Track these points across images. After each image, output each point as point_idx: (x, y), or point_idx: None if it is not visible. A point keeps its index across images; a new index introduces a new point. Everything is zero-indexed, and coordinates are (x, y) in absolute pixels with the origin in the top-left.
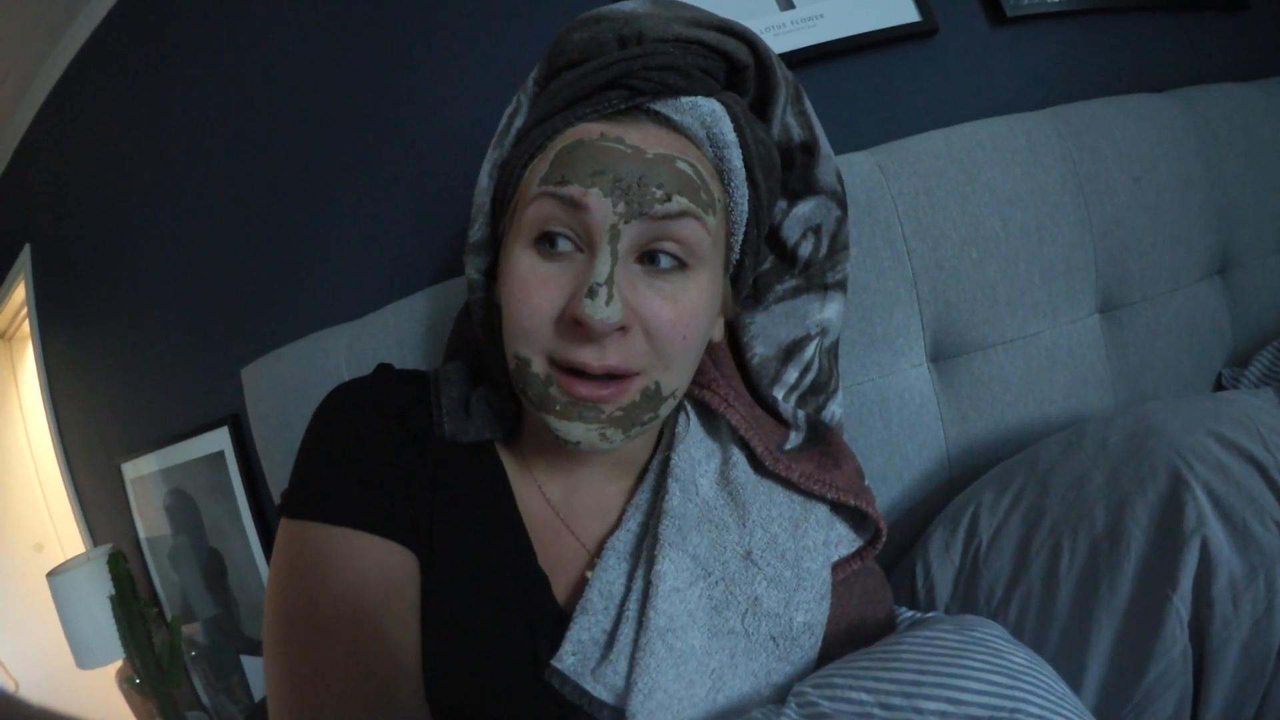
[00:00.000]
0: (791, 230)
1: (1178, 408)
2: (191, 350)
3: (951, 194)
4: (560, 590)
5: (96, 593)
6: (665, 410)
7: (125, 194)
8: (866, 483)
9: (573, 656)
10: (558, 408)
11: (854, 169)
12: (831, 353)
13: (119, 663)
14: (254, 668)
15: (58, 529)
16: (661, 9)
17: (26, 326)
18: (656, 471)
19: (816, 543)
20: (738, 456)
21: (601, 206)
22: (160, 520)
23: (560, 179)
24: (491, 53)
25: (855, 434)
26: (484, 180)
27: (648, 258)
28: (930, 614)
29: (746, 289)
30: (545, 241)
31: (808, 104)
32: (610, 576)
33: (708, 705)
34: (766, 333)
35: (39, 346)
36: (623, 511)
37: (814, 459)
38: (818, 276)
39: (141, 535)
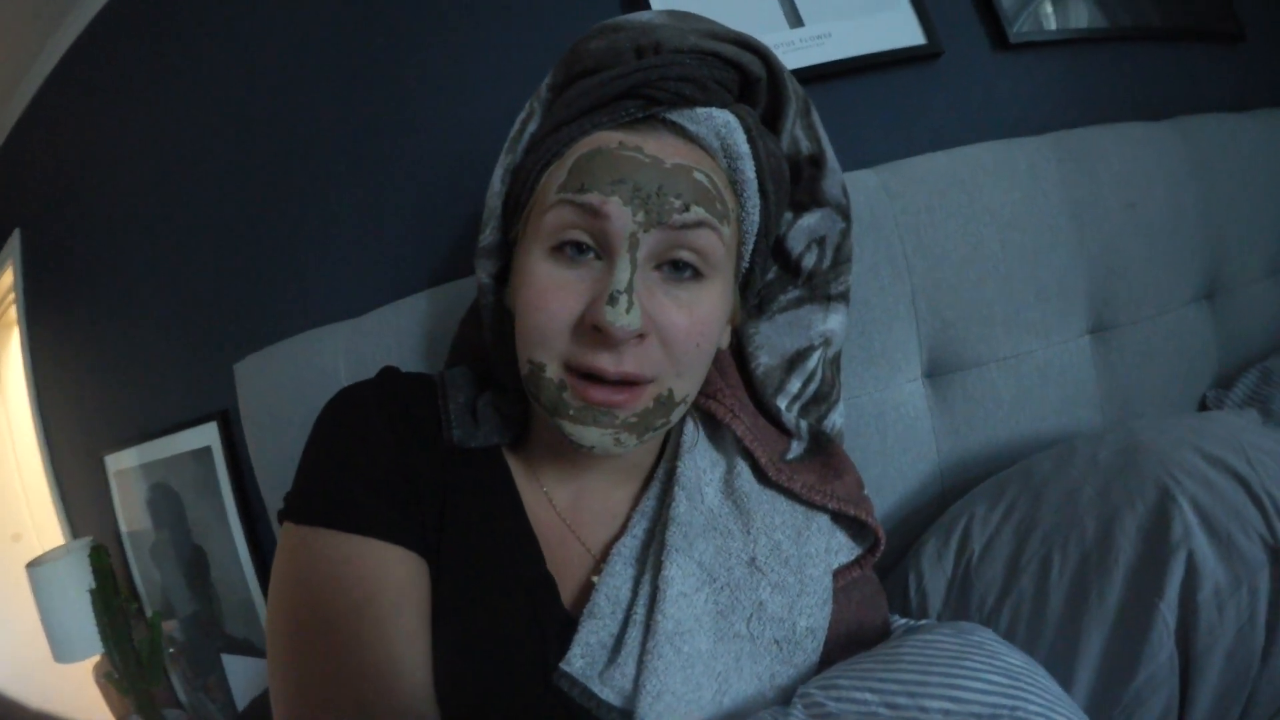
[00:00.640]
0: (796, 241)
1: (1165, 426)
2: (182, 343)
3: (953, 214)
4: (566, 595)
5: (76, 585)
6: (676, 416)
7: (120, 182)
8: (865, 492)
9: (581, 659)
10: (571, 412)
11: (859, 187)
12: (834, 364)
13: (97, 657)
14: (234, 666)
15: (36, 520)
16: (677, 20)
17: (13, 312)
18: (662, 479)
19: (818, 550)
20: (742, 466)
21: (621, 215)
22: (143, 515)
23: (580, 186)
24: (495, 54)
25: (851, 445)
26: (496, 185)
27: (665, 266)
28: (923, 621)
29: (753, 298)
30: (563, 248)
31: (816, 118)
32: (617, 581)
33: (714, 707)
34: (771, 343)
35: (25, 333)
36: (628, 518)
37: (815, 469)
38: (821, 288)
39: (123, 529)
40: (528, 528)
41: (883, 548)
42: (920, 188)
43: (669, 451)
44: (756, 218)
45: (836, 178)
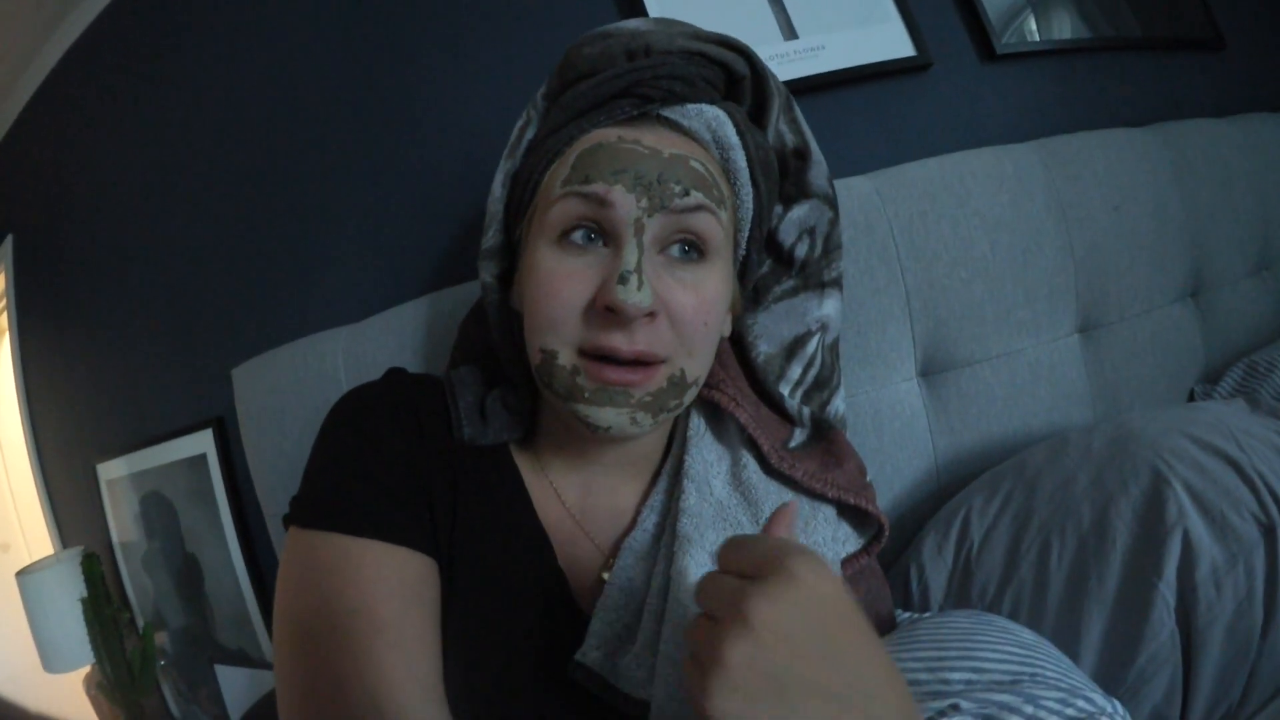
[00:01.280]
0: (788, 233)
1: (1155, 415)
2: (176, 349)
3: (944, 218)
4: (578, 590)
5: (67, 595)
6: (689, 398)
7: (113, 186)
8: (869, 479)
9: (596, 650)
10: (586, 395)
11: (853, 193)
12: (833, 349)
13: (88, 668)
14: (227, 678)
15: (26, 529)
16: (664, 25)
17: (4, 318)
18: (670, 473)
19: (825, 539)
20: (747, 458)
21: (626, 201)
22: (135, 524)
23: (584, 178)
24: (493, 61)
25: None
26: (497, 190)
27: (668, 250)
28: (926, 614)
29: (750, 287)
30: (570, 238)
31: (798, 112)
32: (629, 575)
33: None
34: (769, 331)
35: (16, 339)
36: (637, 512)
37: (817, 457)
38: (815, 275)
39: (115, 538)
40: (538, 525)
41: (887, 534)
42: (912, 193)
43: (676, 445)
44: (750, 205)
45: (822, 169)
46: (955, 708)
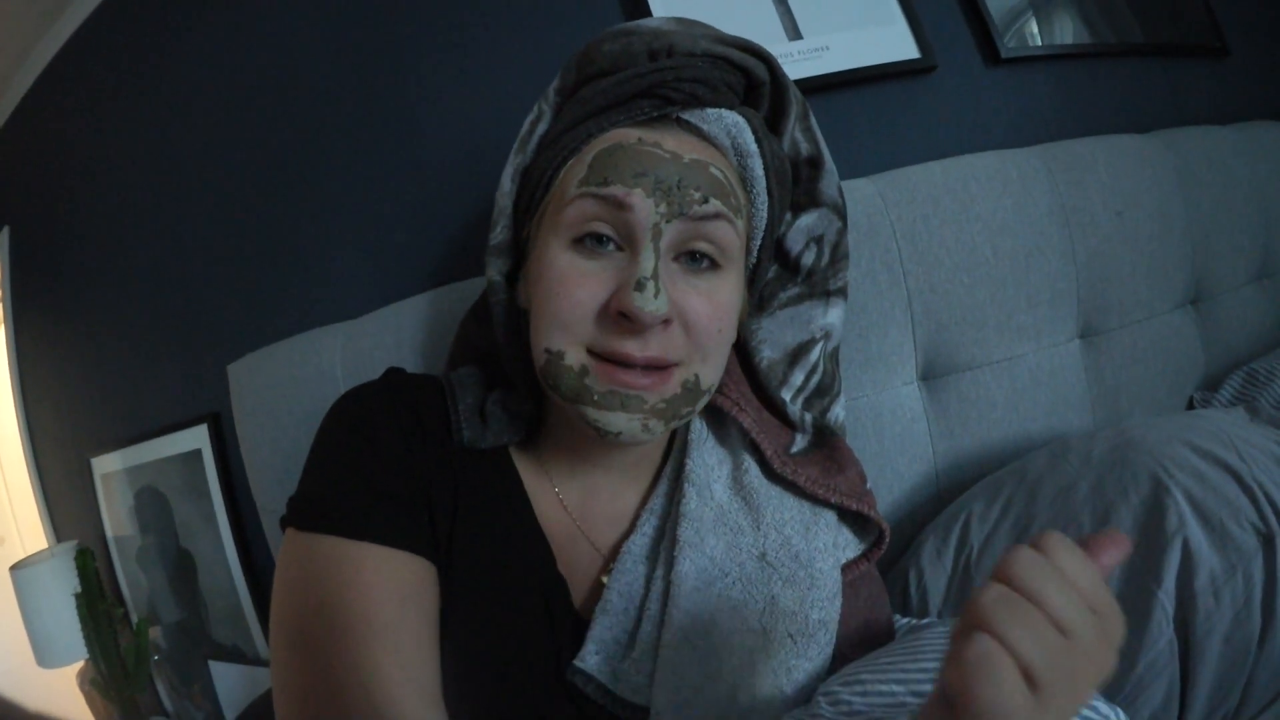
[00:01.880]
0: (795, 240)
1: (1156, 423)
2: (172, 344)
3: (947, 222)
4: (577, 596)
5: (61, 589)
6: (701, 404)
7: (110, 180)
8: (869, 485)
9: (595, 656)
10: (595, 398)
11: (856, 195)
12: (833, 357)
13: (81, 663)
14: (221, 673)
15: (20, 522)
16: (686, 27)
17: None
18: (671, 476)
19: (826, 544)
20: (749, 462)
21: (645, 206)
22: (129, 518)
23: (603, 180)
24: (495, 57)
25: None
26: (506, 184)
27: (683, 257)
28: (925, 620)
29: (755, 296)
30: (584, 240)
31: (814, 122)
32: (629, 579)
33: (729, 702)
34: (773, 337)
35: (11, 332)
36: (637, 516)
37: (819, 462)
38: (820, 284)
39: (109, 533)
40: (537, 529)
41: (888, 540)
42: (915, 196)
43: (677, 449)
44: (764, 213)
45: (833, 179)
46: None
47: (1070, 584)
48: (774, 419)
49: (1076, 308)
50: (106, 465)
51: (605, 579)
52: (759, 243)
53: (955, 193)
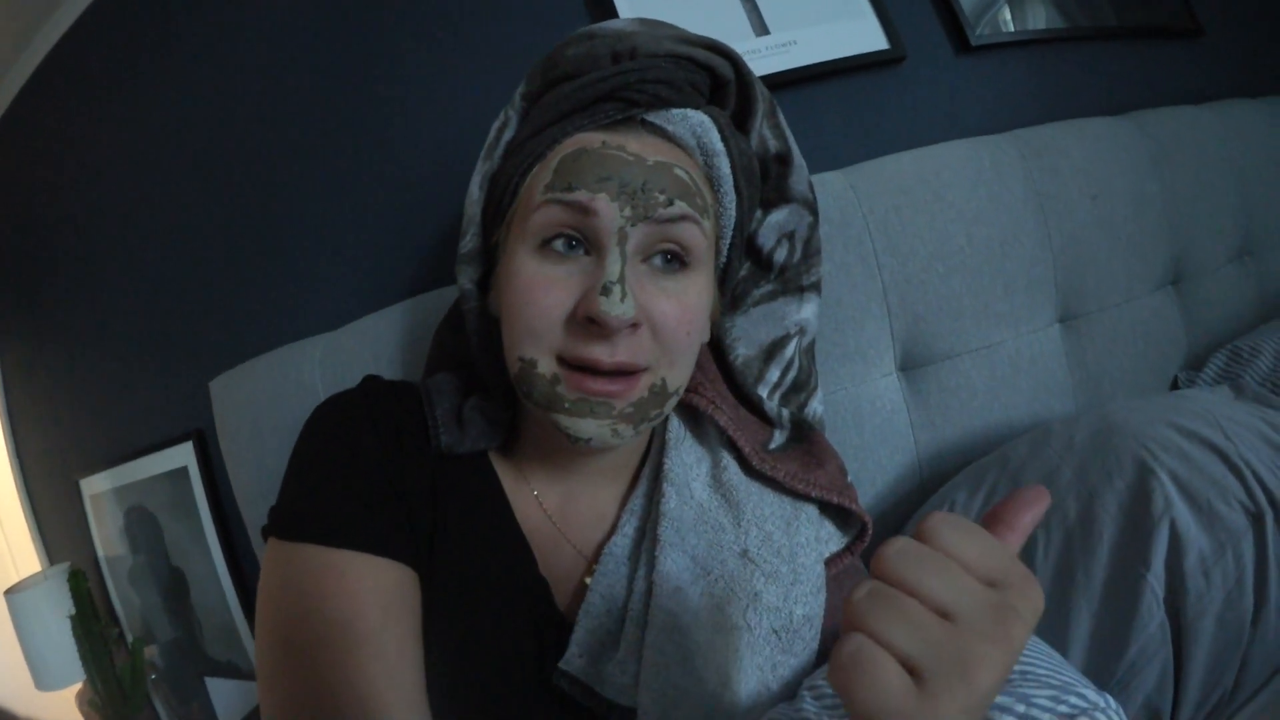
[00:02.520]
0: (767, 237)
1: (1139, 405)
2: (155, 363)
3: (920, 212)
4: (560, 599)
5: (56, 612)
6: (669, 407)
7: (89, 200)
8: (850, 479)
9: (580, 658)
10: (566, 405)
11: (827, 188)
12: (809, 352)
13: (79, 684)
14: (217, 690)
15: (12, 546)
16: (650, 27)
17: None
18: (650, 476)
19: (809, 539)
20: (728, 460)
21: (610, 210)
22: (120, 538)
23: (567, 185)
24: (467, 65)
25: (830, 440)
26: (474, 192)
27: (651, 259)
28: None
29: (728, 294)
30: (551, 246)
31: (781, 118)
32: (611, 580)
33: (715, 701)
34: (748, 335)
35: None
36: (618, 517)
37: (798, 458)
38: (794, 280)
39: (100, 554)
40: (518, 532)
41: (870, 533)
42: (887, 187)
43: (655, 449)
44: (733, 212)
45: (803, 174)
46: None
47: (953, 564)
48: (751, 416)
49: (1054, 293)
50: (95, 486)
51: (588, 580)
52: (728, 242)
53: (927, 182)
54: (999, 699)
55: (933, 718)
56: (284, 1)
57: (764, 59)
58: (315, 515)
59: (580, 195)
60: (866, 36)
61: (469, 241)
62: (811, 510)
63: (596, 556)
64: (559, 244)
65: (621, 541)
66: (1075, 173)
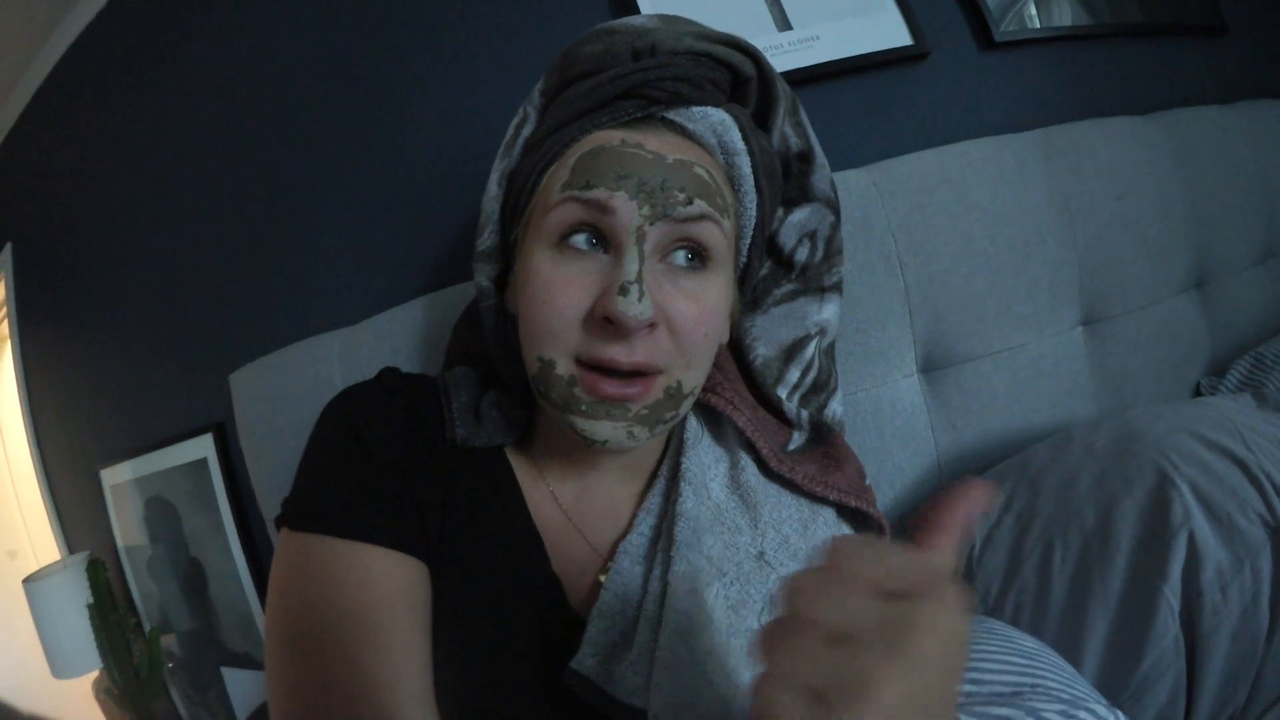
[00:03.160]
0: (788, 236)
1: (1161, 412)
2: (176, 355)
3: (942, 211)
4: (573, 595)
5: (74, 601)
6: (685, 408)
7: (112, 194)
8: (868, 482)
9: (591, 658)
10: (583, 408)
11: (850, 186)
12: (829, 352)
13: (96, 673)
14: (234, 680)
15: (32, 536)
16: (670, 24)
17: (5, 327)
18: (667, 476)
19: None
20: (746, 461)
21: (628, 209)
22: (139, 529)
23: (585, 183)
24: (485, 61)
25: (850, 441)
26: (492, 189)
27: (669, 259)
28: None
29: (749, 294)
30: (568, 244)
31: (804, 116)
32: (625, 579)
33: (727, 704)
34: (767, 334)
35: (17, 347)
36: (634, 516)
37: (817, 460)
38: (815, 280)
39: (120, 544)
40: (532, 528)
41: (887, 537)
42: (910, 186)
43: (673, 448)
44: (753, 212)
45: (825, 173)
46: None
47: (852, 586)
48: (770, 417)
49: (1078, 295)
50: (116, 476)
51: (602, 578)
52: (749, 241)
53: (951, 181)
54: (1009, 712)
55: None
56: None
57: (786, 55)
58: (327, 507)
59: (598, 193)
60: (890, 32)
61: (486, 239)
62: (829, 513)
63: (611, 555)
64: (577, 241)
65: (637, 540)
66: (1099, 173)
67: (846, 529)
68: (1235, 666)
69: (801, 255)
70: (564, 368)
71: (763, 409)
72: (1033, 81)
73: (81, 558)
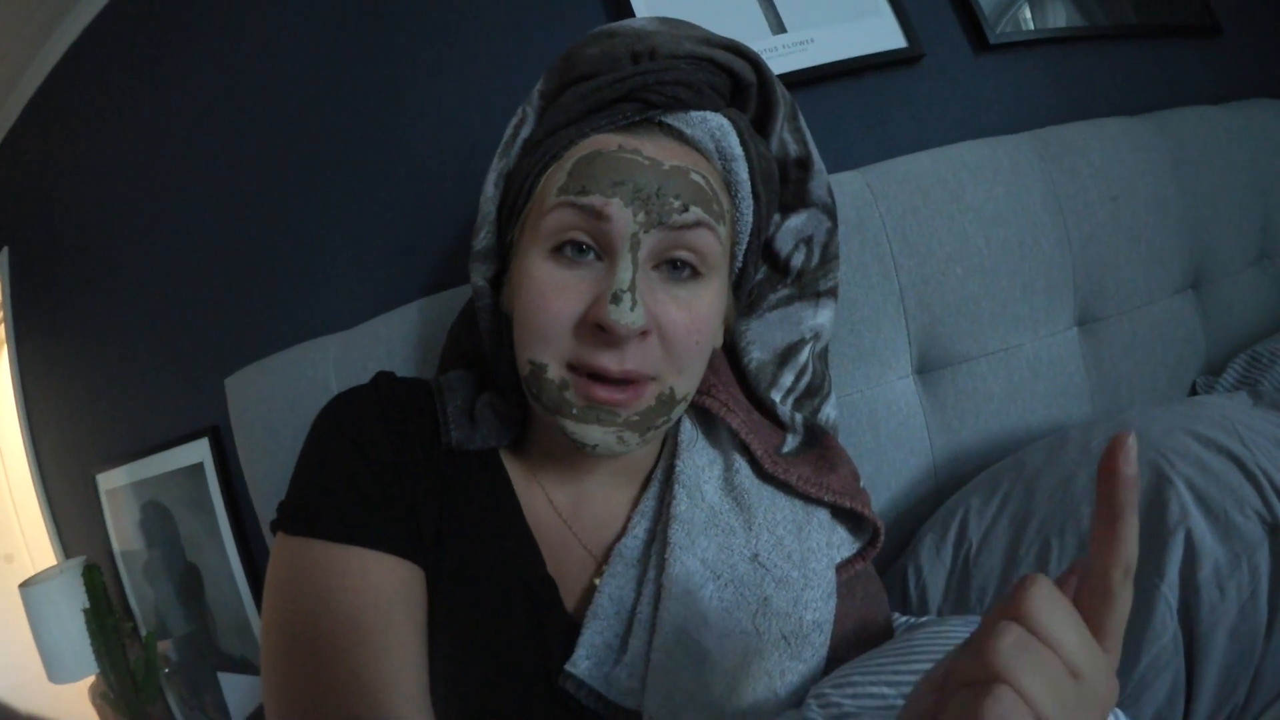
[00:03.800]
0: (784, 242)
1: (1157, 412)
2: (172, 359)
3: (937, 213)
4: (569, 599)
5: (70, 606)
6: (677, 414)
7: (108, 198)
8: (862, 484)
9: (587, 661)
10: (574, 411)
11: (844, 188)
12: (823, 357)
13: (92, 678)
14: (230, 685)
15: (28, 540)
16: (670, 27)
17: (1, 330)
18: (661, 479)
19: (820, 544)
20: (740, 463)
21: (623, 216)
22: (135, 533)
23: (581, 189)
24: (482, 64)
25: (845, 443)
26: (489, 189)
27: (664, 266)
28: (924, 618)
29: (745, 297)
30: (563, 249)
31: (802, 122)
32: (620, 582)
33: (721, 706)
34: (762, 338)
35: (13, 351)
36: (628, 519)
37: (811, 462)
38: (810, 285)
39: (116, 548)
40: (527, 531)
41: (882, 539)
42: (905, 188)
43: (667, 451)
44: (750, 218)
45: (823, 179)
46: None
47: (1082, 622)
48: (764, 420)
49: (1073, 296)
50: (111, 481)
51: (597, 581)
52: (744, 247)
53: (945, 183)
54: None
55: None
56: (301, 1)
57: (781, 57)
58: (322, 511)
59: (594, 200)
60: (884, 35)
61: (483, 239)
62: (823, 515)
63: (606, 558)
64: (571, 248)
65: (632, 543)
66: (1094, 174)
67: (841, 531)
68: (1234, 664)
69: (797, 261)
70: (555, 371)
71: (757, 412)
72: (1027, 83)
73: (77, 562)
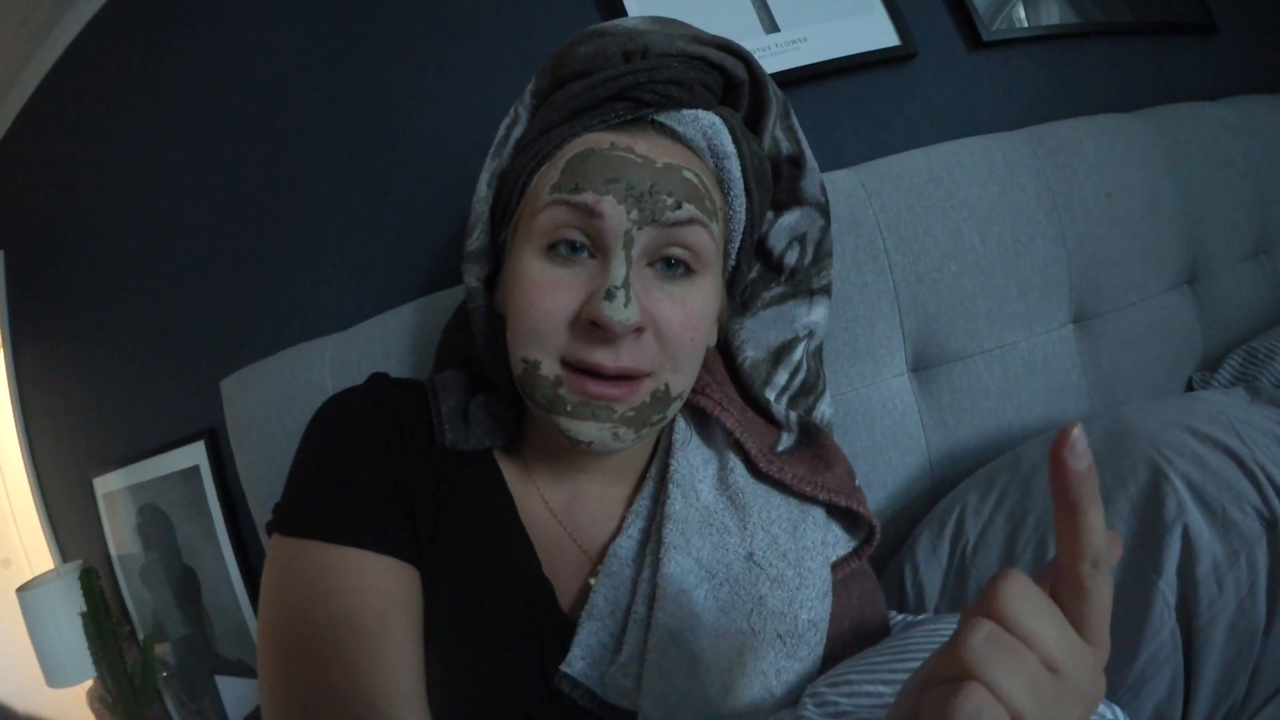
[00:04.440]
0: (778, 240)
1: (1153, 408)
2: (167, 362)
3: (932, 210)
4: (564, 599)
5: (68, 610)
6: (672, 411)
7: (104, 202)
8: (857, 483)
9: (582, 661)
10: (568, 408)
11: (838, 186)
12: (817, 355)
13: (90, 681)
14: (228, 688)
15: (25, 544)
16: (663, 26)
17: None
18: (656, 478)
19: (815, 543)
20: (734, 462)
21: (616, 213)
22: (132, 537)
23: (574, 187)
24: (476, 64)
25: (840, 441)
26: (482, 189)
27: (657, 263)
28: (921, 616)
29: (739, 296)
30: (557, 247)
31: (795, 120)
32: (615, 582)
33: (717, 705)
34: (756, 337)
35: (10, 355)
36: (623, 518)
37: (806, 460)
38: (804, 283)
39: (113, 552)
40: (522, 531)
41: (878, 537)
42: (898, 185)
43: (661, 450)
44: (743, 215)
45: (815, 177)
46: None
47: (1062, 616)
48: (759, 418)
49: (1068, 293)
50: (108, 484)
51: (592, 581)
52: (737, 245)
53: (939, 180)
54: None
55: None
56: (294, 2)
57: (774, 56)
58: (318, 512)
59: (587, 197)
60: (877, 33)
61: (476, 239)
62: (819, 513)
63: (601, 557)
64: (564, 246)
65: (627, 543)
66: (1089, 170)
67: (837, 529)
68: (1233, 660)
69: (791, 258)
70: (549, 368)
71: (751, 410)
72: (1021, 80)
73: (75, 566)
